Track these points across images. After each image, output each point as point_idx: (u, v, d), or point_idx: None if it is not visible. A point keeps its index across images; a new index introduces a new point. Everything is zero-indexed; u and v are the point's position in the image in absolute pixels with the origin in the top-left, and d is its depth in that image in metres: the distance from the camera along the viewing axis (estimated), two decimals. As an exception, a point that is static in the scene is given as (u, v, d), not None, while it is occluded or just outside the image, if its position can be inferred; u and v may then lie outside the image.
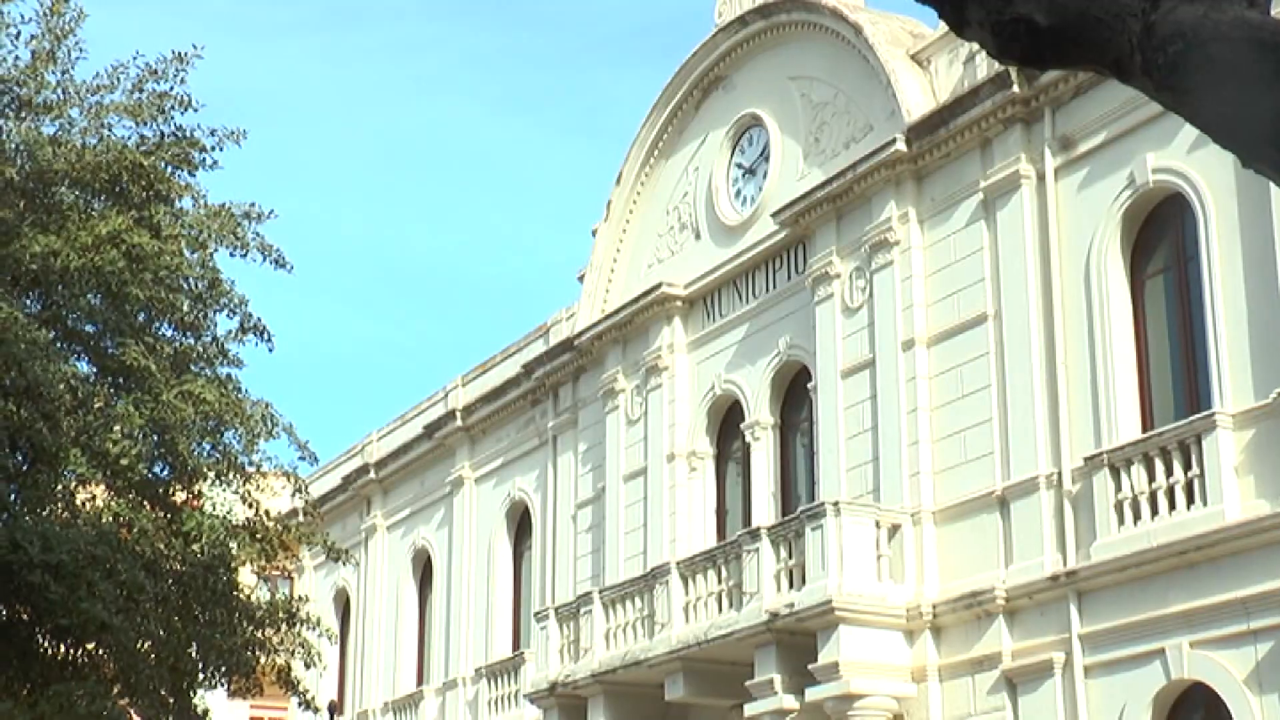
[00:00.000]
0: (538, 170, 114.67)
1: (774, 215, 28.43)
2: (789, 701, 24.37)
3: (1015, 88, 23.99)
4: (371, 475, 40.95)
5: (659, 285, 30.94)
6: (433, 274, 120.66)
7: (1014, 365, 23.83)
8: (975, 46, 21.08)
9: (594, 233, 33.82)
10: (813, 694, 24.01)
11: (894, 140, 25.84)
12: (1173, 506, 21.40)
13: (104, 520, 15.71)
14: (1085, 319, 23.10)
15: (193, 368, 16.49)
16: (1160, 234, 23.08)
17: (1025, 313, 23.78)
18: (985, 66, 24.81)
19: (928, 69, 26.61)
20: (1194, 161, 21.84)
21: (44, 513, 15.15)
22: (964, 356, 24.68)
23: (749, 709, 25.06)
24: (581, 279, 34.16)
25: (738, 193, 30.52)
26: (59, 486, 15.31)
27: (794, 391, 28.73)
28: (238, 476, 16.62)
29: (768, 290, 29.19)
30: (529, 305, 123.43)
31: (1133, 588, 21.63)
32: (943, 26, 25.82)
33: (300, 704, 19.29)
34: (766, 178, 29.65)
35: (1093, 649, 22.07)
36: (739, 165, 30.71)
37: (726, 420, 30.17)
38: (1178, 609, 21.01)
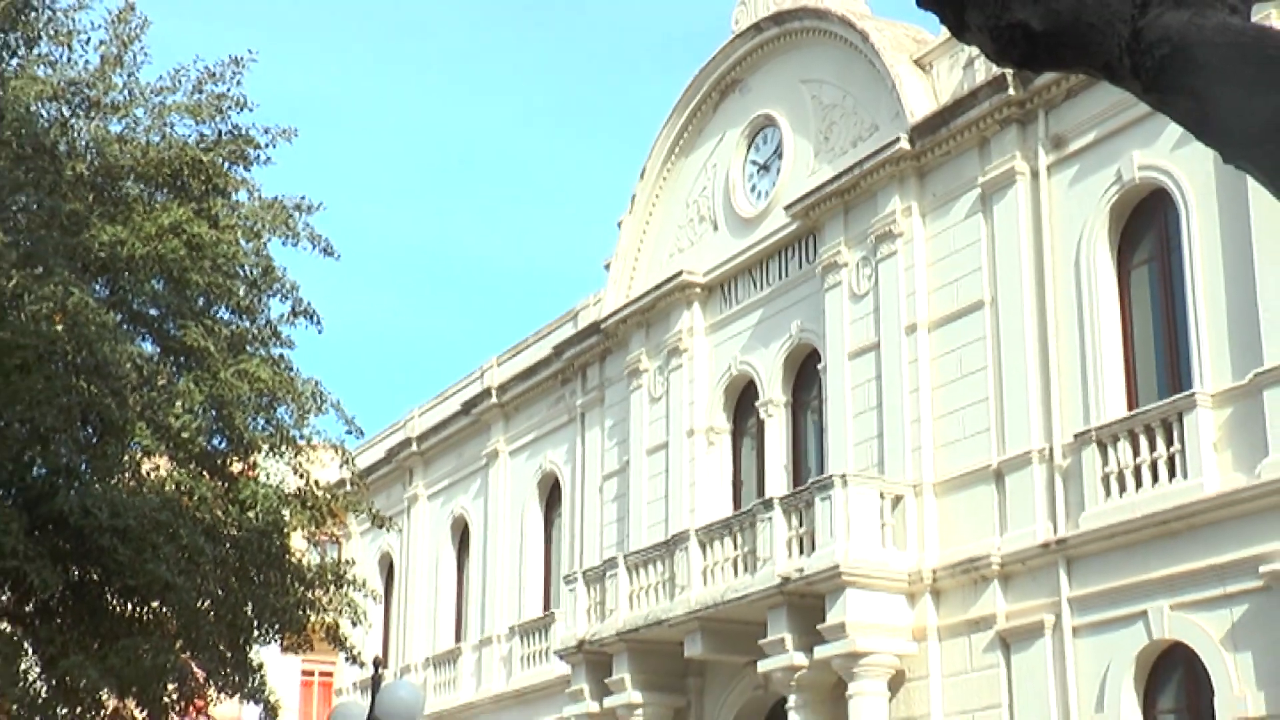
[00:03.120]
0: (568, 167, 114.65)
1: (786, 208, 28.43)
2: (799, 659, 24.40)
3: (1011, 90, 23.99)
4: (413, 448, 41.03)
5: (679, 273, 30.96)
6: (471, 262, 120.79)
7: (1009, 348, 23.82)
8: (974, 51, 21.12)
9: (619, 224, 33.85)
10: (821, 652, 24.03)
11: (898, 139, 25.83)
12: (1155, 479, 21.39)
13: (167, 489, 15.74)
14: (1075, 305, 23.08)
15: (248, 348, 16.52)
16: (1145, 227, 23.03)
17: (1019, 299, 23.77)
18: (983, 70, 24.78)
19: (929, 73, 26.58)
20: (1177, 159, 21.82)
21: (112, 482, 15.17)
22: (962, 340, 24.67)
23: (762, 665, 25.10)
24: (608, 267, 34.16)
25: (753, 187, 30.51)
26: (126, 458, 15.33)
27: (805, 372, 28.72)
28: (289, 449, 16.65)
29: (780, 278, 29.19)
30: (559, 291, 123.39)
31: (1118, 554, 21.61)
32: (944, 32, 25.72)
33: (347, 659, 19.34)
34: (779, 173, 29.64)
35: (1081, 611, 22.05)
36: (754, 162, 30.69)
37: (742, 398, 30.18)
38: (1159, 574, 20.99)
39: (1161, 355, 22.53)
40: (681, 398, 30.86)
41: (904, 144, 25.73)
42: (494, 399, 37.66)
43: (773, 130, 30.21)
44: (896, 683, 24.09)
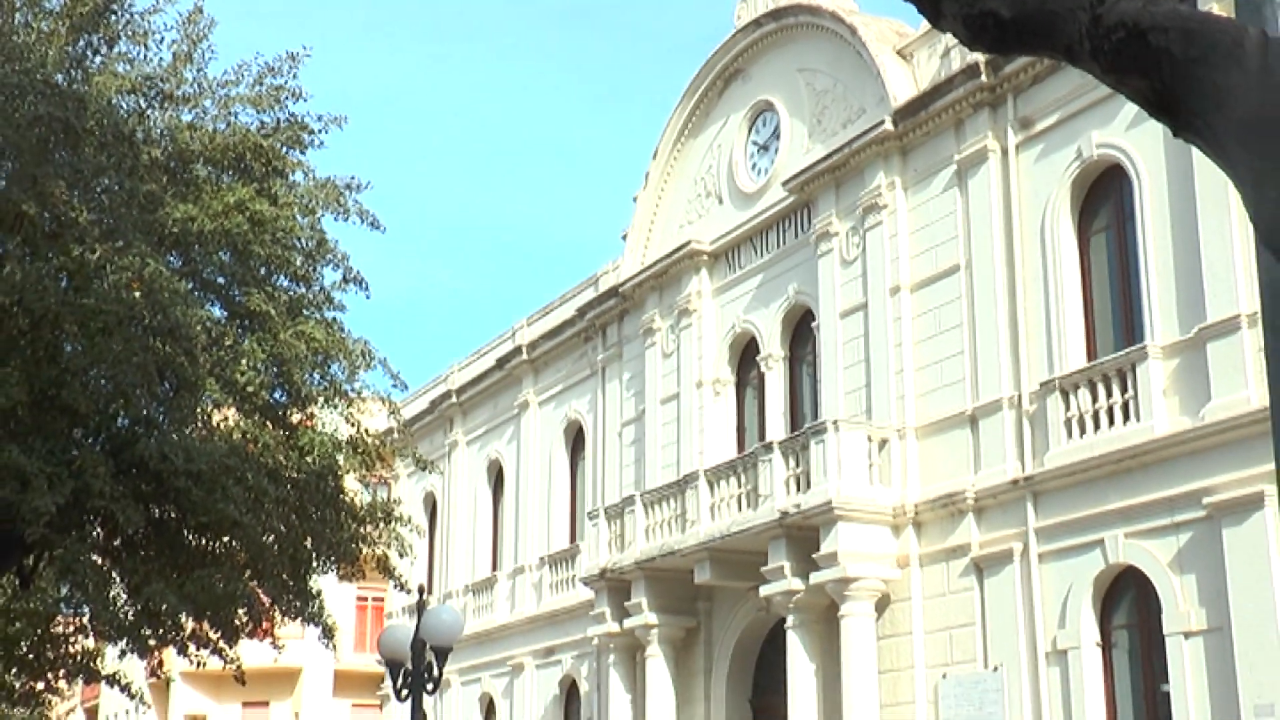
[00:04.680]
0: (591, 148, 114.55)
1: (784, 184, 28.38)
2: (796, 584, 24.45)
3: (983, 77, 23.92)
4: (453, 399, 41.08)
5: (688, 242, 30.95)
6: (503, 234, 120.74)
7: (981, 307, 23.79)
8: (951, 41, 20.99)
9: (635, 199, 33.80)
10: (815, 578, 24.09)
11: (883, 121, 25.75)
12: (1111, 422, 21.38)
13: (234, 437, 15.76)
14: (1040, 268, 23.04)
15: (304, 312, 16.49)
16: (1103, 198, 22.96)
17: (991, 264, 23.72)
18: (959, 59, 24.71)
19: (911, 62, 26.46)
20: (1131, 137, 21.79)
21: (187, 431, 15.20)
22: (940, 300, 24.65)
23: (763, 590, 25.16)
24: (625, 237, 34.12)
25: (753, 165, 30.43)
26: (198, 410, 15.35)
27: (800, 329, 28.71)
28: (342, 401, 16.65)
29: (779, 246, 29.16)
30: (582, 259, 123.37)
31: (1078, 489, 21.62)
32: (924, 25, 25.67)
33: (396, 586, 19.39)
34: (777, 153, 29.56)
35: (1045, 540, 22.06)
36: (754, 142, 30.60)
37: (745, 353, 30.17)
38: (1115, 506, 21.01)
39: (1117, 312, 22.49)
40: (691, 353, 30.87)
41: (888, 125, 25.66)
42: (524, 355, 37.69)
43: (771, 114, 30.10)
44: (883, 604, 24.13)
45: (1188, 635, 19.90)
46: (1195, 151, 20.46)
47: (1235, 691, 19.05)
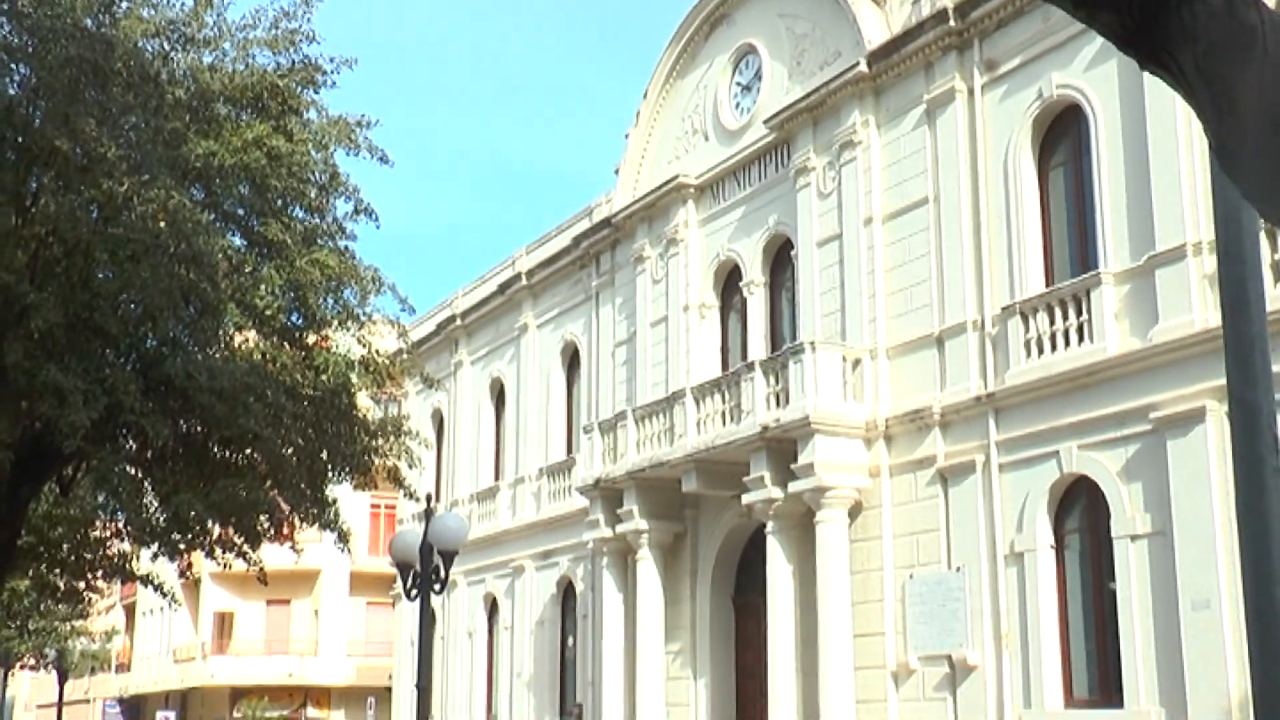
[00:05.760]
0: (586, 88, 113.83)
1: (765, 122, 28.18)
2: (776, 493, 24.51)
3: (951, 22, 23.73)
4: (458, 323, 40.99)
5: (676, 176, 30.79)
6: (505, 168, 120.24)
7: (948, 237, 23.72)
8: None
9: (627, 136, 33.57)
10: (794, 487, 24.15)
11: (857, 63, 25.54)
12: (1067, 344, 21.38)
13: (254, 357, 15.70)
14: (1003, 201, 22.96)
15: (319, 241, 16.36)
16: (1061, 135, 22.83)
17: (957, 196, 23.63)
18: (929, 5, 24.52)
19: (884, 7, 26.20)
20: (1089, 79, 21.66)
21: (210, 351, 15.13)
22: (910, 230, 24.56)
23: (745, 498, 25.22)
24: (617, 172, 33.92)
25: (737, 105, 30.20)
26: (220, 332, 15.28)
27: (780, 258, 28.62)
28: (354, 324, 16.56)
29: (760, 180, 29.01)
30: (577, 192, 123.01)
31: (1036, 405, 21.65)
32: (895, -26, 25.39)
33: (405, 495, 19.43)
34: (759, 93, 29.32)
35: (1005, 451, 22.12)
36: (738, 83, 30.35)
37: (729, 280, 30.10)
38: (1069, 420, 21.05)
39: (1073, 241, 22.43)
40: (678, 279, 30.79)
41: (862, 68, 25.45)
42: (524, 281, 37.59)
43: (754, 57, 29.84)
44: (855, 511, 24.22)
45: (1133, 538, 20.01)
46: (1147, 92, 20.35)
47: (1175, 589, 19.19)
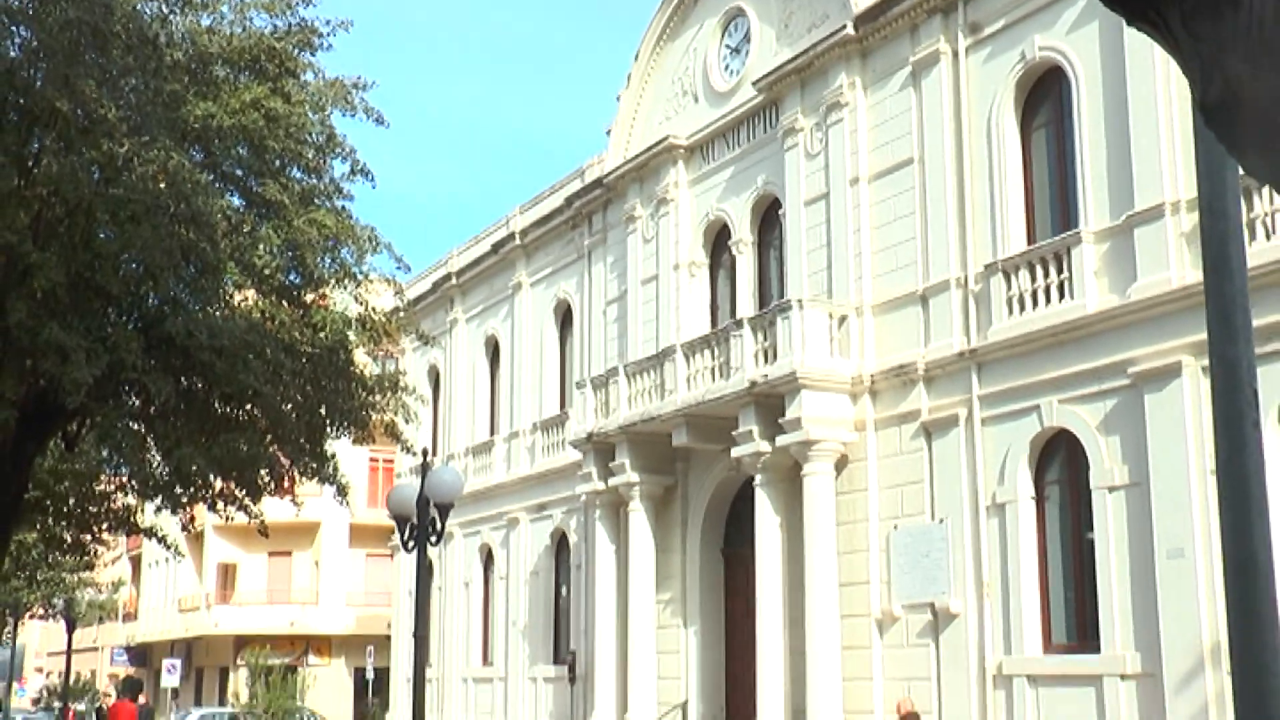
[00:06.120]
0: (577, 50, 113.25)
1: (754, 84, 28.03)
2: (764, 446, 24.53)
3: (936, -16, 23.54)
4: (453, 281, 40.90)
5: (667, 137, 30.66)
6: (499, 130, 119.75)
7: (932, 196, 23.65)
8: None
9: (618, 98, 33.38)
10: (781, 440, 24.17)
11: (845, 26, 25.40)
12: (1048, 300, 21.36)
13: (253, 315, 15.62)
14: (986, 161, 22.89)
15: (316, 201, 16.24)
16: (1043, 97, 22.73)
17: (941, 157, 23.55)
18: (913, -32, 24.31)
19: (869, -30, 26.01)
20: (1070, 41, 21.55)
21: (210, 310, 15.05)
22: (895, 190, 24.49)
23: (734, 452, 25.25)
24: (609, 133, 33.76)
25: (726, 67, 30.02)
26: (220, 290, 15.19)
27: (768, 217, 28.55)
28: (351, 282, 16.46)
29: (749, 140, 28.90)
30: (570, 153, 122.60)
31: (1018, 361, 21.64)
32: (881, -63, 25.19)
33: (403, 449, 19.41)
34: (748, 55, 29.16)
35: (988, 406, 22.13)
36: (728, 46, 30.17)
37: (718, 238, 30.02)
38: (1050, 376, 21.06)
39: (1055, 200, 22.37)
40: (668, 238, 30.71)
41: (849, 30, 25.30)
42: (517, 241, 37.48)
43: (742, 19, 29.65)
44: (841, 464, 24.25)
45: (1111, 489, 20.06)
46: (1128, 55, 20.24)
47: (1151, 538, 19.26)
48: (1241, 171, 2.59)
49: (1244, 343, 3.17)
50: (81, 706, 60.92)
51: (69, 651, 45.34)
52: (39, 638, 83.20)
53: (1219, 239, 3.17)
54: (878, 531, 23.73)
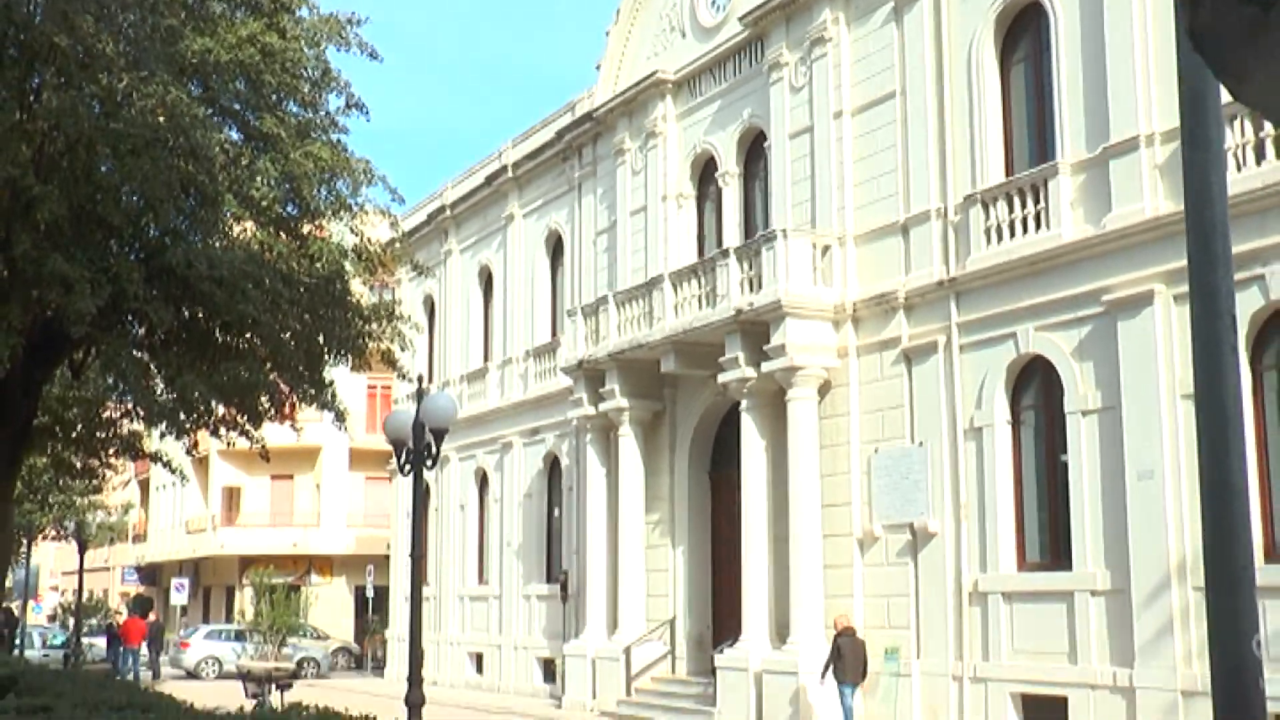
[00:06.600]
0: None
1: (740, 19, 27.72)
2: (749, 372, 24.52)
3: (918, -80, 23.23)
4: (447, 213, 40.67)
5: (655, 72, 30.39)
6: (491, 65, 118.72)
7: (914, 129, 23.49)
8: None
9: (607, 34, 33.03)
10: (766, 367, 24.15)
11: (828, -39, 25.07)
12: (1026, 230, 21.28)
13: (252, 246, 15.49)
14: (966, 95, 22.70)
15: (312, 134, 16.06)
16: (1022, 32, 22.50)
17: (923, 91, 23.35)
18: (896, -96, 23.97)
19: (853, -93, 25.65)
20: (1050, -25, 21.27)
21: (210, 241, 14.92)
22: (878, 123, 24.31)
23: (721, 377, 25.23)
24: (599, 68, 33.43)
25: (713, 2, 29.67)
26: (219, 222, 15.06)
27: (754, 149, 28.36)
28: (347, 214, 16.34)
29: (735, 75, 28.63)
30: (560, 88, 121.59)
31: (996, 289, 21.60)
32: (865, -126, 24.82)
33: (399, 376, 19.36)
34: (733, -9, 28.81)
35: (966, 333, 22.10)
36: (713, -19, 29.81)
37: (705, 171, 29.84)
38: (1027, 304, 21.02)
39: (1032, 133, 22.22)
40: (657, 171, 30.52)
41: (832, -35, 24.98)
42: (510, 174, 37.24)
43: (728, -45, 29.27)
44: (824, 389, 24.25)
45: (1084, 413, 20.09)
46: (1106, -13, 20.01)
47: (1122, 460, 19.32)
48: (1226, 99, 2.51)
49: (1223, 269, 3.11)
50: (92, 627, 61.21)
51: (81, 571, 45.52)
52: (53, 558, 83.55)
53: (1201, 166, 3.10)
54: (859, 454, 23.78)
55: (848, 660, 21.79)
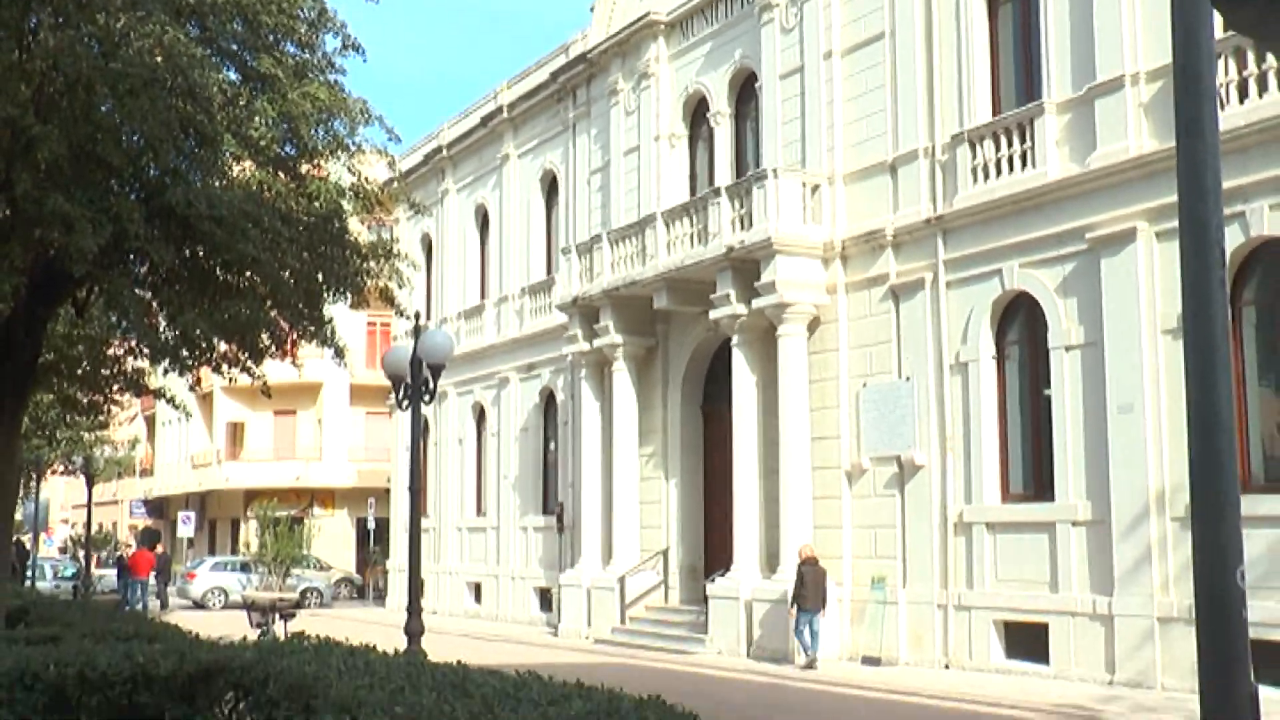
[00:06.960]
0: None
1: (730, -40, 27.39)
2: (740, 309, 24.47)
3: None
4: (444, 153, 40.42)
5: (648, 14, 30.11)
6: (487, 6, 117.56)
7: (902, 70, 23.29)
8: None
9: (600, -25, 32.65)
10: (757, 303, 24.10)
11: (818, -98, 24.73)
12: (1012, 169, 21.17)
13: (251, 185, 15.33)
14: (955, 36, 22.49)
15: (309, 74, 15.83)
16: (1011, -29, 22.26)
17: (912, 32, 23.13)
18: None
19: None
20: (1037, -85, 21.01)
21: (209, 180, 14.77)
22: (867, 64, 24.10)
23: (712, 314, 25.19)
24: (593, 10, 33.09)
25: (704, -57, 29.32)
26: (218, 162, 14.88)
27: (745, 90, 28.14)
28: (345, 153, 16.15)
29: (727, 16, 28.35)
30: (555, 29, 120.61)
31: (982, 227, 21.51)
32: None
33: (397, 313, 19.25)
34: (725, -68, 28.45)
35: (952, 270, 22.04)
36: (705, -77, 29.43)
37: (697, 111, 29.62)
38: (1012, 241, 20.95)
39: (1019, 73, 22.04)
40: (650, 111, 30.29)
41: (823, -94, 24.65)
42: (505, 114, 36.97)
43: (719, -104, 28.88)
44: (813, 325, 24.22)
45: (1068, 349, 20.07)
46: (1093, -72, 19.75)
47: (1104, 394, 19.32)
48: (1221, 33, 2.44)
49: (1213, 203, 3.04)
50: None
51: (89, 505, 45.64)
52: (62, 492, 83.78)
53: (1193, 100, 3.03)
54: (848, 389, 23.78)
55: (809, 588, 22.05)
